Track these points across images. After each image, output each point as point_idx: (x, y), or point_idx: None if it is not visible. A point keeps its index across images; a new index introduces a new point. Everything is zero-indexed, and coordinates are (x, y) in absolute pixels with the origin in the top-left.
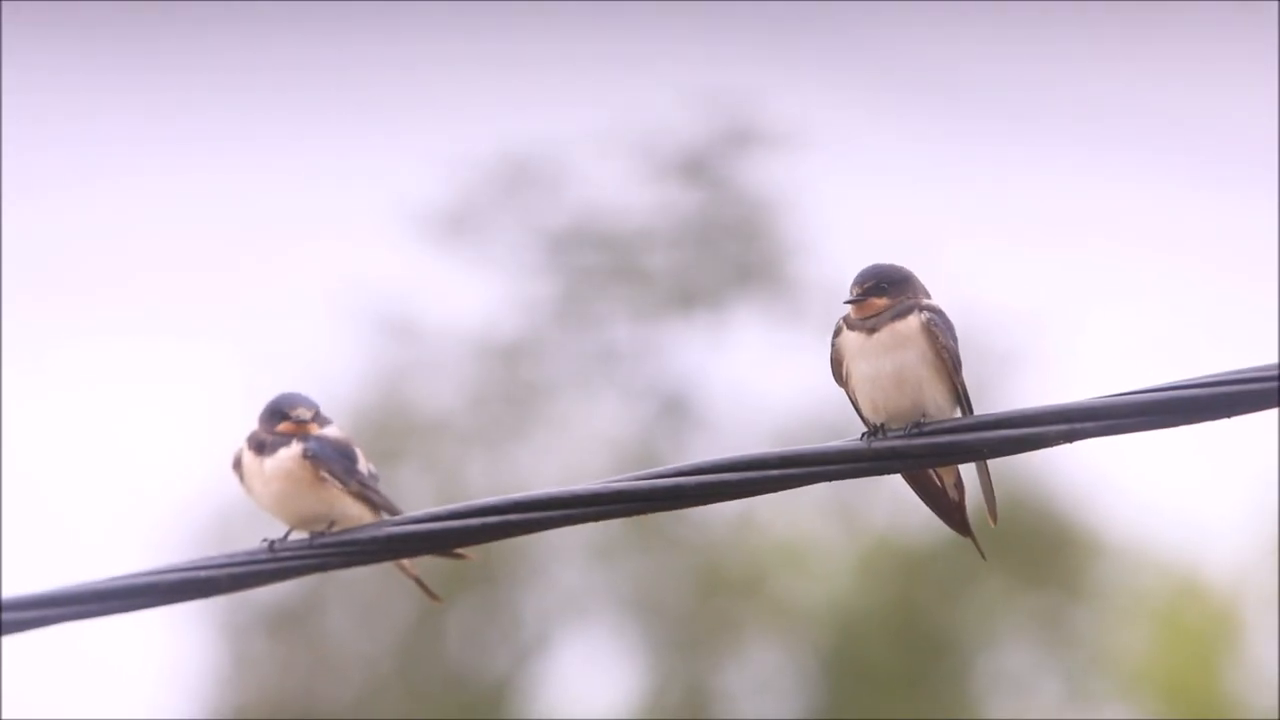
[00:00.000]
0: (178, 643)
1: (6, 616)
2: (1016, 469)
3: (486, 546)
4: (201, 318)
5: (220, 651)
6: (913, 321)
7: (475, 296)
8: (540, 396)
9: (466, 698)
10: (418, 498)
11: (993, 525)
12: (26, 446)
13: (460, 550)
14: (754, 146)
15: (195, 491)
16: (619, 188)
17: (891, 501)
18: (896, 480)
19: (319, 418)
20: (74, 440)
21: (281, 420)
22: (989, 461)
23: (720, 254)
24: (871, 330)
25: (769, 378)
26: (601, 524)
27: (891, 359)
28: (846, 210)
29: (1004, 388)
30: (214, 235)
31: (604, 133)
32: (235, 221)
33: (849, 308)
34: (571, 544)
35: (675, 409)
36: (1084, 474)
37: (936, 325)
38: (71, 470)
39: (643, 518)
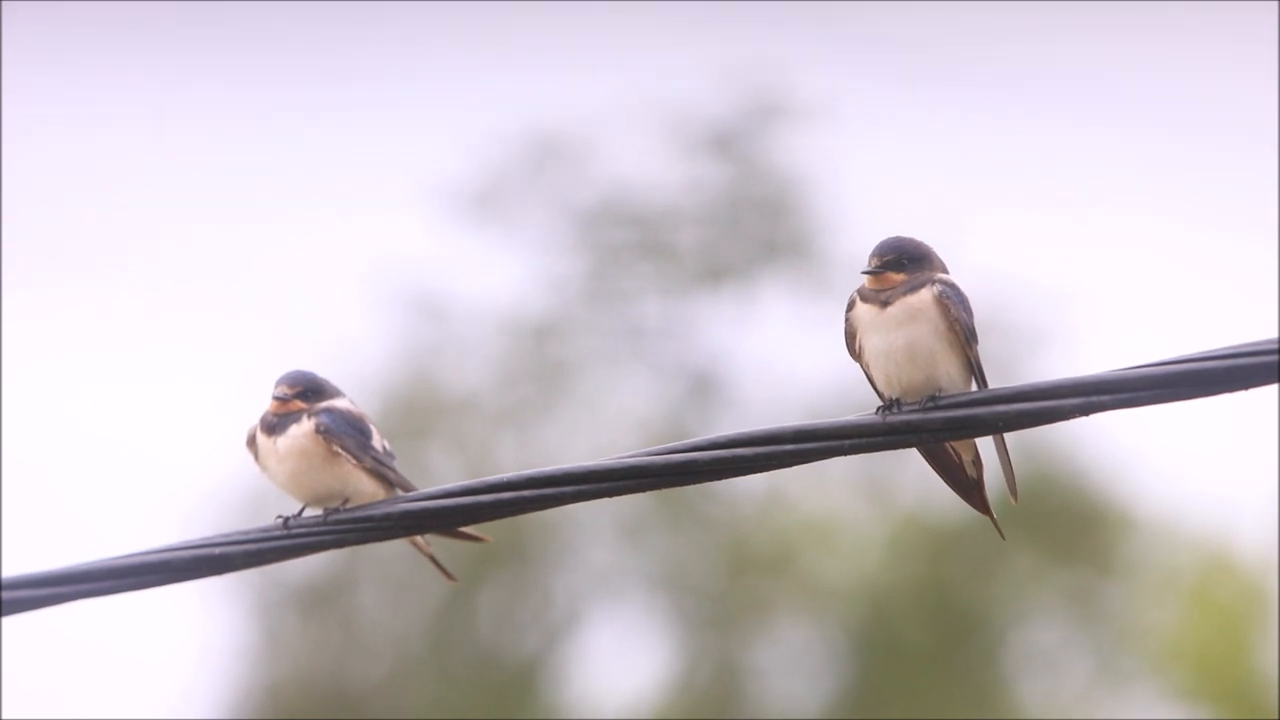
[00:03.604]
0: (209, 622)
1: (22, 594)
2: (1046, 445)
3: (516, 525)
4: (232, 295)
5: (251, 630)
6: (925, 295)
7: (504, 274)
8: (568, 374)
9: (497, 676)
10: (446, 476)
11: (1013, 503)
12: (64, 427)
13: (475, 531)
14: (781, 121)
15: (225, 472)
16: (647, 164)
17: (921, 479)
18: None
19: (316, 392)
20: (105, 422)
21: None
22: (1006, 437)
23: (748, 230)
24: (884, 304)
25: (797, 353)
26: (631, 502)
27: (903, 333)
28: (874, 185)
29: (1030, 364)
30: (246, 213)
31: (632, 109)
32: (267, 199)
33: (865, 279)
34: (601, 523)
35: (704, 386)
36: (1114, 450)
37: (949, 297)
38: (102, 451)
39: (671, 496)
